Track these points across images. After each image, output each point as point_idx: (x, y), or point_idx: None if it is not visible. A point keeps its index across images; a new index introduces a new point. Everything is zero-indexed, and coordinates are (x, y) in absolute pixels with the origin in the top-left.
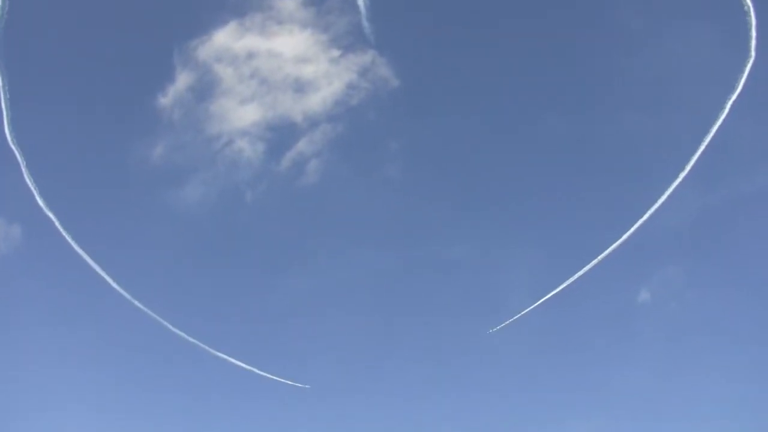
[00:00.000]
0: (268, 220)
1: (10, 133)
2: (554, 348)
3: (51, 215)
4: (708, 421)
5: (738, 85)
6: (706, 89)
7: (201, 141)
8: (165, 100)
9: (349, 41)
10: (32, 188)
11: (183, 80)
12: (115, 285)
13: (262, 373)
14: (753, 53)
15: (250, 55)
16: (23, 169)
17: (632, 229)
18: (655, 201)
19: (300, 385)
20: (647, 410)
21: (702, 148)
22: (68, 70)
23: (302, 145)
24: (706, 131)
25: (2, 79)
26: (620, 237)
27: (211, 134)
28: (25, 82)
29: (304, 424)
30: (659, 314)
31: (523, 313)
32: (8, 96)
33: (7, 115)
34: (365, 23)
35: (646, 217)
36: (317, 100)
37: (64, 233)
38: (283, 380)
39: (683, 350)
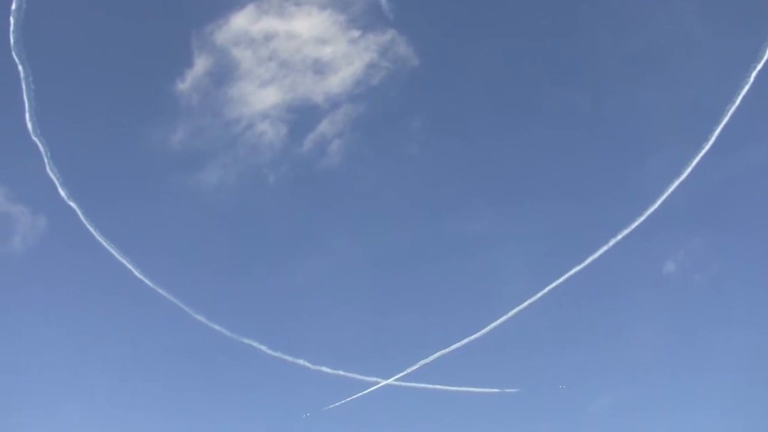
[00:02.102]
0: (291, 202)
1: (33, 125)
2: (580, 323)
3: (74, 205)
4: (733, 391)
5: (763, 54)
6: (729, 60)
7: (221, 125)
8: (183, 85)
9: (367, 21)
10: (55, 180)
11: (201, 65)
12: (137, 273)
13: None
14: None
15: (268, 38)
16: (46, 161)
17: (657, 203)
18: (680, 174)
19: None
20: (673, 383)
21: (726, 119)
22: (86, 60)
23: (324, 127)
24: (731, 101)
25: (24, 72)
26: (645, 211)
27: (230, 118)
28: (43, 73)
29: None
30: (684, 285)
31: (546, 290)
32: (32, 87)
33: (30, 108)
34: (383, 2)
35: (671, 190)
36: (337, 81)
37: (86, 223)
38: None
39: (707, 321)
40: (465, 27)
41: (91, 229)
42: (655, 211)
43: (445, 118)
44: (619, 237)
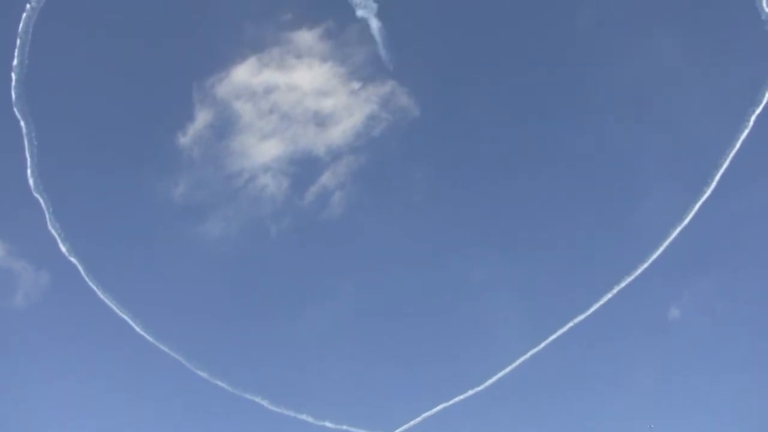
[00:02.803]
0: (294, 254)
1: (34, 181)
2: (585, 372)
3: (75, 261)
4: None
5: (762, 97)
6: (729, 102)
7: (223, 178)
8: (185, 139)
9: (368, 72)
10: (56, 236)
11: (202, 118)
12: (138, 329)
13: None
14: None
15: (269, 90)
16: (47, 217)
17: (660, 249)
18: (682, 218)
19: None
20: (679, 429)
21: (726, 162)
22: (87, 114)
23: (325, 178)
24: (731, 145)
25: (26, 127)
26: (648, 256)
27: (232, 171)
28: (45, 128)
29: None
30: (690, 330)
31: (550, 339)
32: (35, 143)
33: (32, 164)
34: (382, 53)
35: (673, 235)
36: (338, 133)
37: (87, 279)
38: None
39: (715, 364)
40: (464, 76)
41: (92, 285)
42: (658, 256)
43: (446, 167)
44: (623, 284)
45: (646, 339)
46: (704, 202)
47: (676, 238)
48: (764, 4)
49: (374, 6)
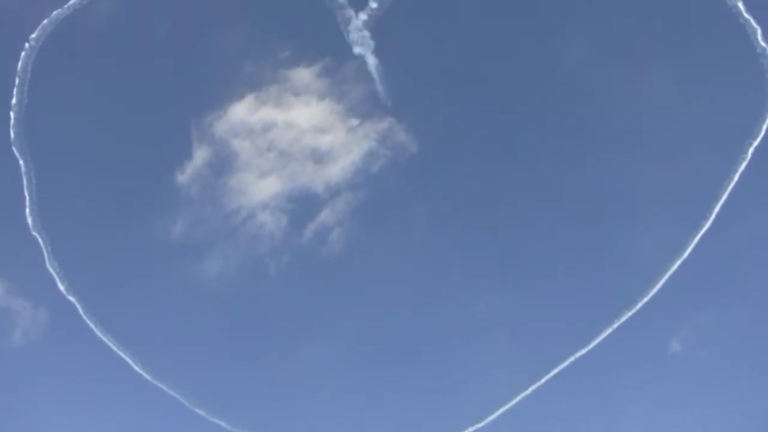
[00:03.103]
0: (293, 292)
1: (33, 220)
2: (586, 405)
3: (73, 299)
4: None
5: (759, 130)
6: (726, 135)
7: (221, 216)
8: (183, 177)
9: (365, 109)
10: (54, 274)
11: (200, 156)
12: (136, 367)
13: None
14: None
15: (267, 128)
16: (45, 255)
17: (660, 282)
18: (682, 251)
19: None
20: None
21: (725, 195)
22: (85, 153)
23: (324, 215)
24: (729, 177)
25: (25, 166)
26: (648, 290)
27: (230, 209)
28: (43, 167)
29: None
30: (690, 364)
31: (552, 374)
32: (33, 182)
33: (30, 203)
34: (380, 90)
35: (673, 268)
36: (337, 170)
37: (85, 317)
38: None
39: (717, 397)
40: (462, 112)
41: (90, 323)
42: (659, 290)
43: (445, 203)
44: (623, 318)
45: (647, 373)
46: (703, 235)
47: (675, 272)
48: (759, 38)
49: (371, 43)
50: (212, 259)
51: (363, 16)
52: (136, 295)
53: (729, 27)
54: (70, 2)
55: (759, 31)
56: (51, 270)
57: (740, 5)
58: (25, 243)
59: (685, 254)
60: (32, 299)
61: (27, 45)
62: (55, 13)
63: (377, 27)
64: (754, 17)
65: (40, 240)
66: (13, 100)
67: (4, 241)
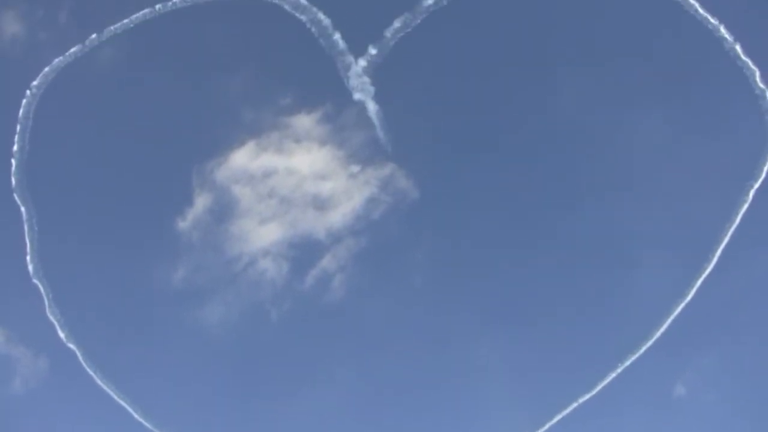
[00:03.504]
0: (295, 338)
1: (34, 267)
2: None
3: (73, 347)
4: None
5: (760, 172)
6: (727, 177)
7: (222, 263)
8: (184, 223)
9: (366, 155)
10: (54, 322)
11: (201, 203)
12: (137, 415)
13: None
14: None
15: (268, 174)
16: (46, 303)
17: (664, 326)
18: (684, 295)
19: None
20: None
21: (727, 238)
22: (86, 200)
23: (326, 262)
24: (731, 219)
25: (27, 213)
26: (652, 334)
27: (231, 255)
28: (44, 213)
29: None
30: (696, 407)
31: (555, 420)
32: (35, 229)
33: (31, 250)
34: (381, 135)
35: (676, 312)
36: (338, 216)
37: (85, 365)
38: None
39: None
40: (463, 158)
41: (91, 371)
42: (662, 333)
43: (447, 248)
44: (627, 362)
45: (653, 417)
46: (706, 278)
47: (679, 315)
48: (757, 80)
49: (371, 89)
50: (213, 305)
51: (362, 62)
52: (136, 342)
53: (727, 69)
54: (71, 50)
55: (758, 73)
56: (51, 317)
57: (738, 48)
58: (26, 290)
59: (688, 297)
60: (32, 347)
61: (28, 92)
62: (56, 60)
63: (377, 73)
64: (752, 60)
65: (40, 287)
66: (15, 147)
67: (4, 289)
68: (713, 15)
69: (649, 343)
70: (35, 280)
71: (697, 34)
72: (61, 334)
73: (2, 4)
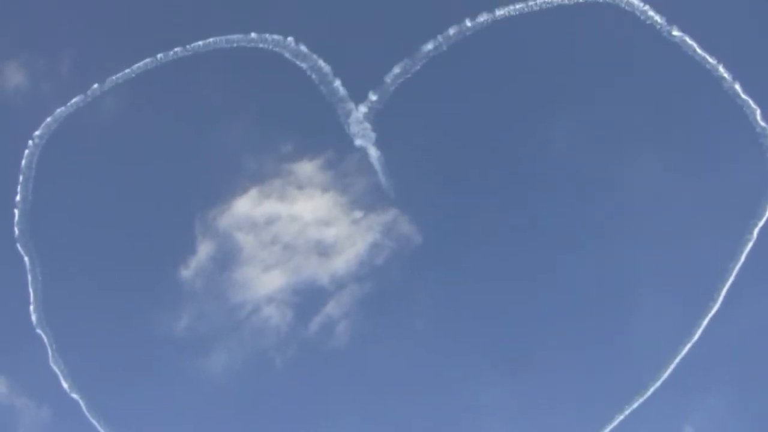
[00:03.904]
0: (300, 385)
1: (38, 317)
2: None
3: (77, 397)
4: None
5: (764, 210)
6: (730, 216)
7: (225, 310)
8: (187, 271)
9: (369, 201)
10: (57, 372)
11: (204, 250)
12: None
13: None
14: None
15: (271, 221)
16: (50, 353)
17: (671, 367)
18: (691, 335)
19: None
20: None
21: (732, 277)
22: (90, 248)
23: (330, 308)
24: (735, 259)
25: (30, 263)
26: (659, 376)
27: (235, 303)
28: (46, 264)
29: None
30: None
31: None
32: (39, 279)
33: (35, 300)
34: (383, 181)
35: (683, 353)
36: (342, 262)
37: (89, 416)
38: None
39: None
40: (465, 202)
41: (94, 421)
42: (669, 374)
43: (450, 293)
44: (635, 404)
45: None
46: (712, 317)
47: (685, 356)
48: (758, 118)
49: (372, 135)
50: (217, 353)
51: (363, 108)
52: (140, 391)
53: (727, 108)
54: (73, 100)
55: (758, 112)
56: (54, 367)
57: (737, 87)
58: (29, 340)
59: (695, 337)
60: (35, 397)
61: (30, 142)
62: (58, 111)
63: (378, 119)
64: (753, 98)
65: (44, 337)
66: (18, 197)
67: (7, 339)
68: (711, 54)
69: (657, 384)
70: (39, 330)
71: (696, 74)
72: (65, 384)
73: (4, 55)
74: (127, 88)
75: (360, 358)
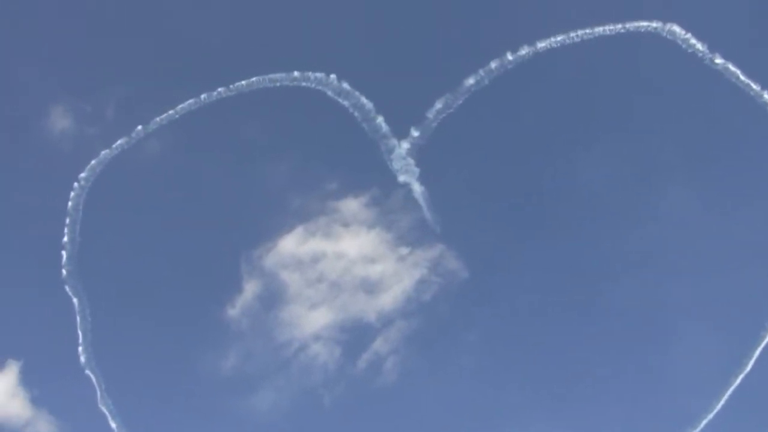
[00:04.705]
0: (349, 422)
1: (87, 357)
2: None
3: None
4: None
5: None
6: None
7: (272, 349)
8: (234, 311)
9: (415, 237)
10: (106, 413)
11: (250, 289)
12: None
13: None
14: None
15: (317, 259)
16: (98, 394)
17: (724, 399)
18: (743, 366)
19: None
20: None
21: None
22: (137, 288)
23: (378, 345)
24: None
25: (79, 305)
26: (712, 408)
27: (282, 341)
28: (95, 304)
29: None
30: None
31: None
32: (88, 320)
33: (84, 341)
34: (428, 216)
35: (736, 383)
36: (389, 299)
37: None
38: None
39: None
40: (510, 237)
41: None
42: (722, 407)
43: (498, 328)
44: None
45: None
46: (765, 347)
47: (738, 387)
48: None
49: (416, 171)
50: (265, 392)
51: (406, 144)
52: (188, 431)
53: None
54: (118, 142)
55: None
56: (103, 408)
57: None
58: (78, 381)
59: (747, 368)
60: None
61: (76, 184)
62: (103, 153)
63: (420, 154)
64: None
65: (93, 378)
66: (65, 239)
67: (57, 380)
68: (755, 81)
69: (710, 416)
70: (87, 371)
71: (740, 101)
72: (113, 425)
73: (51, 99)
74: (172, 129)
75: (408, 394)
